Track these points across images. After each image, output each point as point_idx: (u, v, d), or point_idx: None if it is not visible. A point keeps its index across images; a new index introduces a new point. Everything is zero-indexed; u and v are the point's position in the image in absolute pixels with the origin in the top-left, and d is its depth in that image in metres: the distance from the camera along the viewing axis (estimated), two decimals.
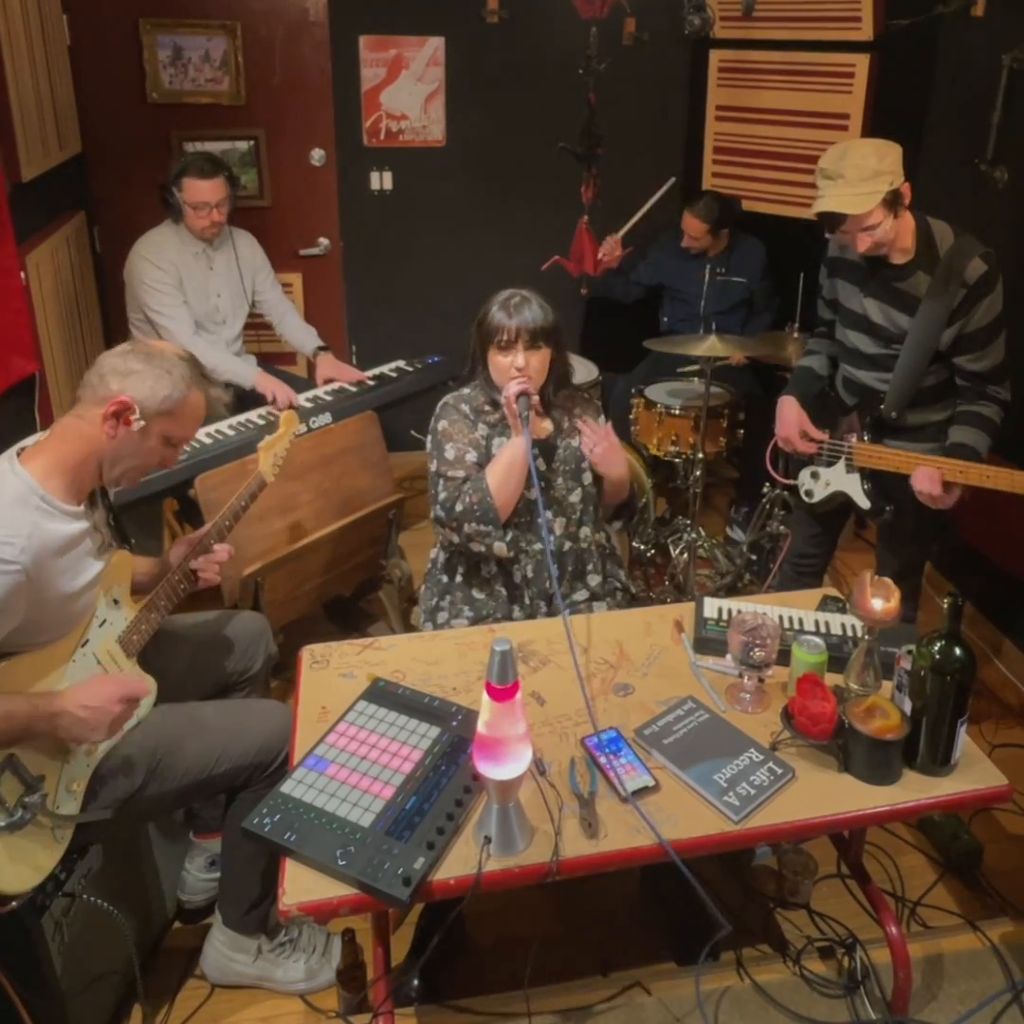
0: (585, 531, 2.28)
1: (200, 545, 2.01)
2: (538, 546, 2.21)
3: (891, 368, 2.39)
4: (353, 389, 3.27)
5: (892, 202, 2.20)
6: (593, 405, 2.35)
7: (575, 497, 2.25)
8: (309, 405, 3.10)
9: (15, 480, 1.63)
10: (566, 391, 2.28)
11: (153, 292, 3.08)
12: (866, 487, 2.48)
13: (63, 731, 1.63)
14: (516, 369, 2.09)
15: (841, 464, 2.52)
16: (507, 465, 2.10)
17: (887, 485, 2.46)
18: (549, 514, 2.21)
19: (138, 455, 1.76)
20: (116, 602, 1.85)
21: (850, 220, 2.19)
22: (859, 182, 2.15)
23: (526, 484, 2.12)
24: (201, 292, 3.20)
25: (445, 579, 2.30)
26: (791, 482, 2.68)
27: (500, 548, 2.14)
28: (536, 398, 2.10)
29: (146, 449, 1.75)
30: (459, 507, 2.10)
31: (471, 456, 2.17)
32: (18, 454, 1.68)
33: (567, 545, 2.25)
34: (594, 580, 2.30)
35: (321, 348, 3.43)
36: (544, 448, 2.22)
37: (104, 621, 1.82)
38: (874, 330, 2.40)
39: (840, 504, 2.58)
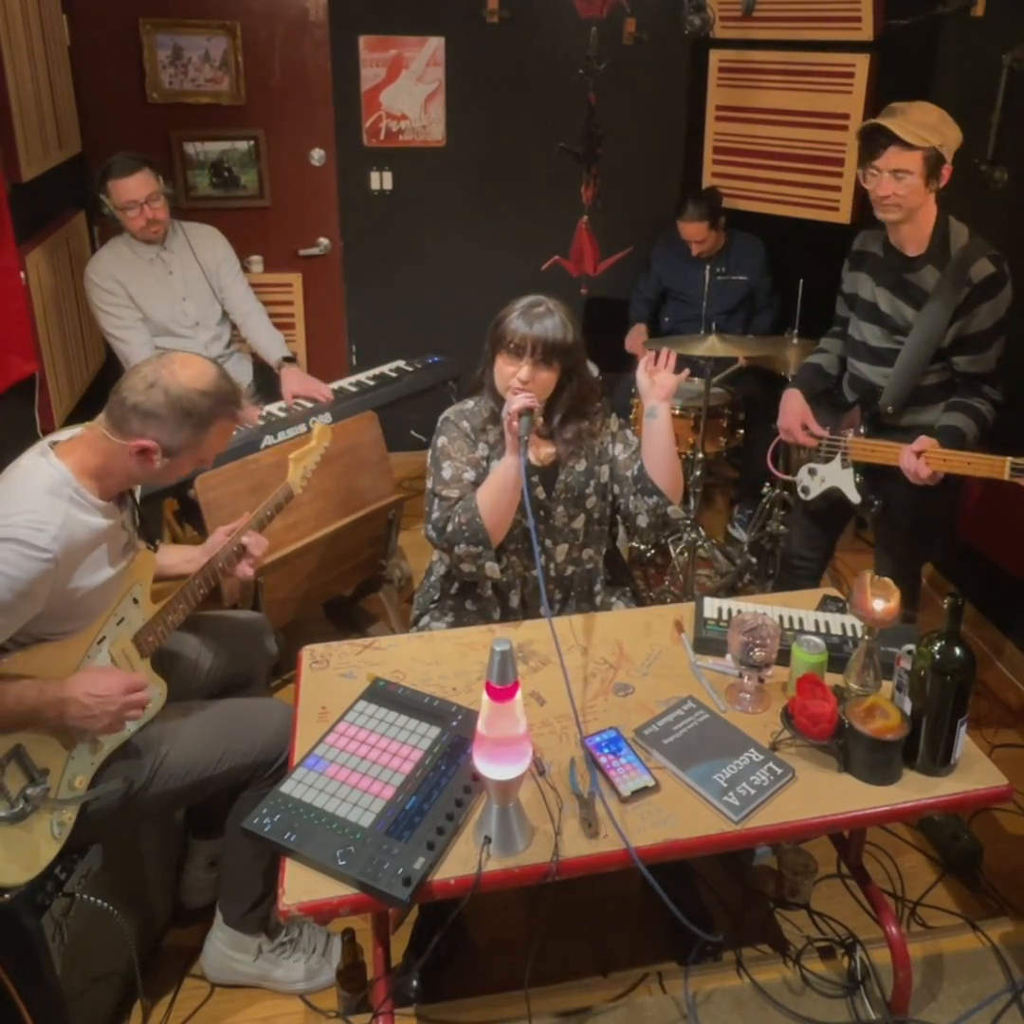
0: (589, 553, 2.21)
1: (234, 537, 2.01)
2: (535, 572, 2.12)
3: (894, 363, 2.40)
4: (354, 389, 3.27)
5: (933, 165, 2.21)
6: (601, 438, 2.17)
7: (577, 523, 2.16)
8: (309, 405, 3.10)
9: (50, 470, 1.65)
10: (578, 425, 2.11)
11: (105, 315, 3.01)
12: (858, 480, 2.50)
13: (69, 718, 1.64)
14: (519, 380, 1.97)
15: (837, 459, 2.54)
16: (498, 487, 1.97)
17: (879, 479, 2.47)
18: (549, 542, 2.15)
19: (166, 478, 1.83)
20: (136, 601, 1.86)
21: (890, 152, 2.19)
22: (919, 124, 2.19)
23: (521, 510, 1.99)
24: (163, 300, 3.07)
25: (436, 594, 2.25)
26: (791, 478, 2.71)
27: (492, 568, 2.05)
28: (540, 420, 1.96)
29: (173, 474, 1.80)
30: (450, 527, 2.02)
31: (469, 475, 2.07)
32: (52, 446, 1.69)
33: (570, 570, 2.19)
34: (599, 597, 2.26)
35: (287, 359, 3.20)
36: (544, 476, 2.11)
37: (122, 619, 1.83)
38: (881, 320, 2.42)
39: (835, 504, 2.58)
